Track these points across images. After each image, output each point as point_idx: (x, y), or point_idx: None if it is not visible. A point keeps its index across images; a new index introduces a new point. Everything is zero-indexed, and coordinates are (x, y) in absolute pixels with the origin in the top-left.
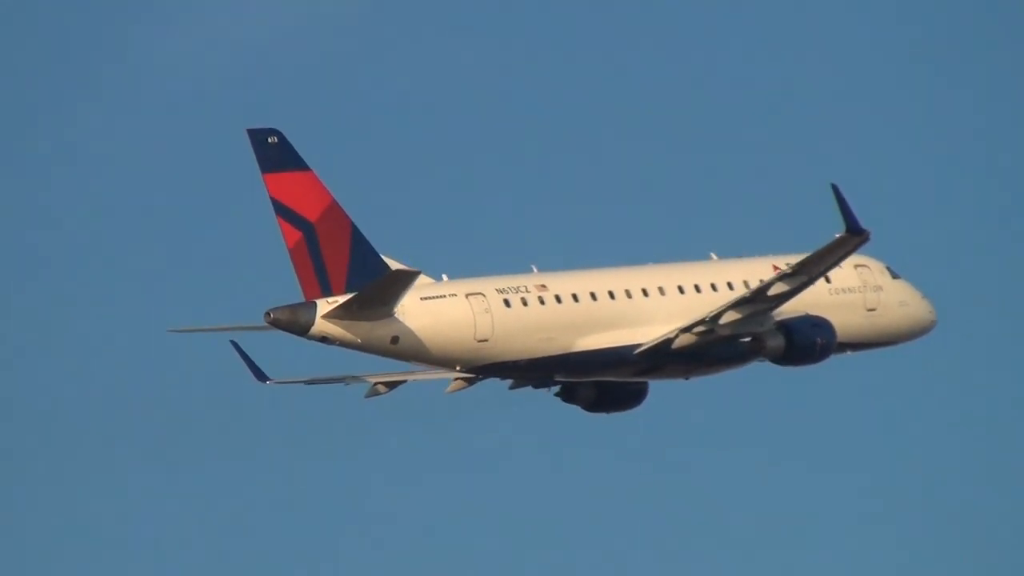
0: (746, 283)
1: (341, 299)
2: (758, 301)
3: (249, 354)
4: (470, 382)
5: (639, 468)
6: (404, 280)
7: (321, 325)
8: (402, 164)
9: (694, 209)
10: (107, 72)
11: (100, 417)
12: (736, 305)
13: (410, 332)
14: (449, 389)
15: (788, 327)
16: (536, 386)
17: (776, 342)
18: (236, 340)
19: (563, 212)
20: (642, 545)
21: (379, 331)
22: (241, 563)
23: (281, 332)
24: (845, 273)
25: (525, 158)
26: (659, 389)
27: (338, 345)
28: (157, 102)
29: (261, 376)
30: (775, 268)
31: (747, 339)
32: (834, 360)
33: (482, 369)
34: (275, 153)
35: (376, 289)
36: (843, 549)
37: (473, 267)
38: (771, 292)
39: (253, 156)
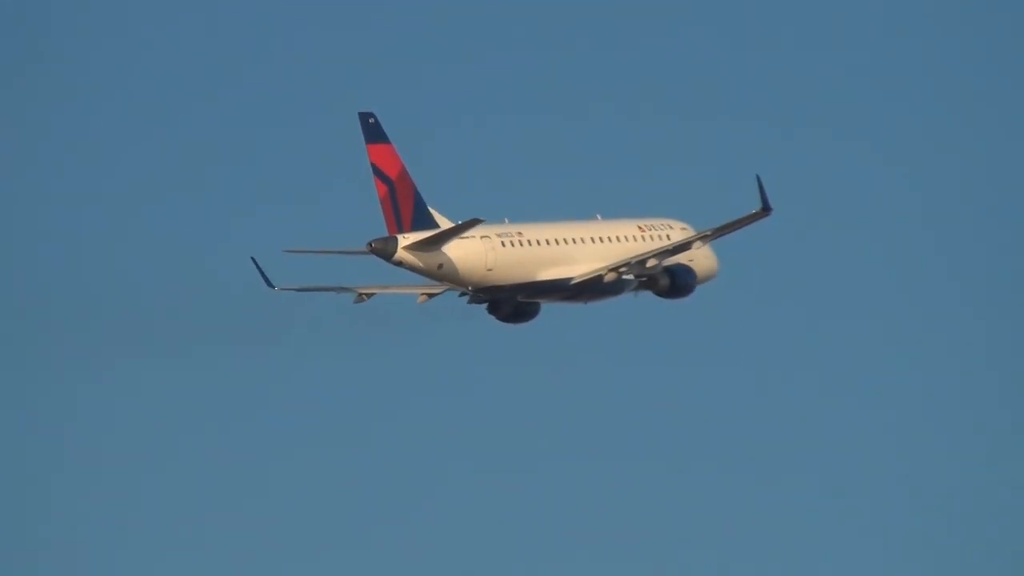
0: (627, 237)
1: (413, 236)
2: (675, 252)
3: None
4: (431, 297)
5: (532, 360)
6: (469, 225)
7: (400, 254)
8: None
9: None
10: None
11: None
12: (661, 253)
13: (449, 261)
14: (419, 301)
15: (672, 271)
16: (479, 303)
17: (664, 281)
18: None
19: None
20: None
21: (432, 260)
22: None
23: (371, 256)
24: (677, 233)
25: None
26: (548, 310)
27: (406, 268)
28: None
29: (270, 284)
30: (639, 228)
31: (643, 278)
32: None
33: (483, 290)
34: (373, 129)
35: (451, 230)
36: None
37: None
38: (693, 247)
39: (360, 131)
